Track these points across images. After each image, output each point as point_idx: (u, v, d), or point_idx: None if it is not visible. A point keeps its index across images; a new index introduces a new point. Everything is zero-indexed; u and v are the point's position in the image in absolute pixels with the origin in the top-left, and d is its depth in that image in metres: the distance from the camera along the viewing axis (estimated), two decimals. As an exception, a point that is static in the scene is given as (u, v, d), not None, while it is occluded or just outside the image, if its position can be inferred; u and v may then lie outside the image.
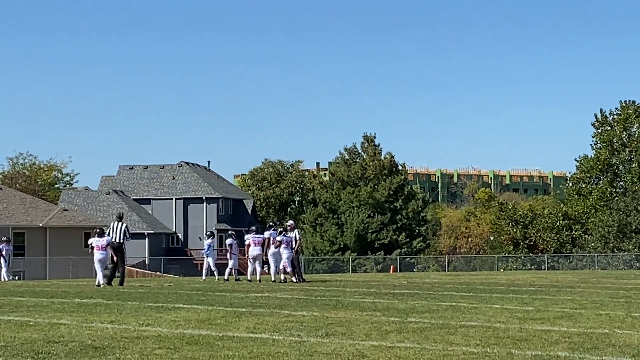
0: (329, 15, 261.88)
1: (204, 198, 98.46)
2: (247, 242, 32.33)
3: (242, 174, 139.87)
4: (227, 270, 33.86)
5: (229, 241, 34.81)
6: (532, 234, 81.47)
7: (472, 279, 35.17)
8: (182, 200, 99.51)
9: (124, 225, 29.12)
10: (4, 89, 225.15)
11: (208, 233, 37.10)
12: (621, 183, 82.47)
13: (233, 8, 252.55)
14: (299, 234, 32.77)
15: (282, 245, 31.05)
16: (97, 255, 28.56)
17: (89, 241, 29.67)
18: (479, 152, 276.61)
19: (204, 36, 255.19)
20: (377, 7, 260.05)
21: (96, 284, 28.60)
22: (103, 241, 28.62)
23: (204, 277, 35.04)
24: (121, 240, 28.87)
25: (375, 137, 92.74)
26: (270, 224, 32.88)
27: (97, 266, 28.55)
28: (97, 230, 29.96)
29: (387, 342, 12.49)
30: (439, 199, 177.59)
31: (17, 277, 39.09)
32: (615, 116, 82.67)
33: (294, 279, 30.93)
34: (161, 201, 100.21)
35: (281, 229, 32.30)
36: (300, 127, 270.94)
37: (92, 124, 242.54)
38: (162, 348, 11.80)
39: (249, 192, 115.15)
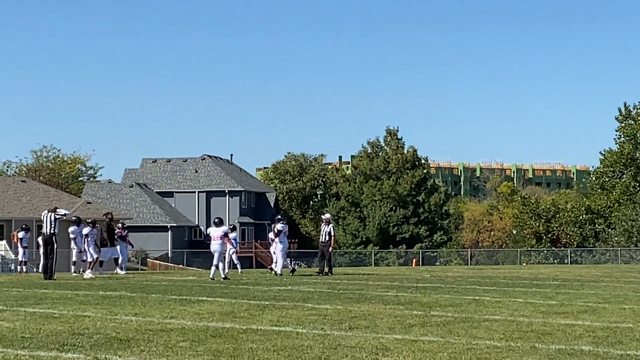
0: (353, 10, 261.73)
1: (226, 191, 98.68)
2: (271, 236, 32.28)
3: (264, 167, 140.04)
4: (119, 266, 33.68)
5: (120, 233, 34.08)
6: (554, 228, 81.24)
7: (495, 273, 35.09)
8: (204, 193, 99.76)
9: (52, 213, 29.04)
10: (28, 82, 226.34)
11: (231, 226, 37.06)
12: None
13: (255, 1, 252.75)
14: (333, 229, 32.77)
15: (281, 235, 30.97)
16: (213, 245, 28.35)
17: (208, 230, 29.23)
18: (501, 145, 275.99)
19: (227, 30, 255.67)
20: (399, 0, 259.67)
21: (210, 277, 28.14)
22: (219, 231, 28.31)
23: (226, 270, 35.04)
24: (51, 231, 28.84)
25: (398, 131, 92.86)
26: (279, 217, 32.52)
27: (215, 257, 28.22)
28: (216, 219, 29.54)
29: (411, 335, 12.50)
30: (462, 193, 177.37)
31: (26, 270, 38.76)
32: (639, 110, 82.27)
33: (276, 270, 31.07)
34: (184, 194, 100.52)
35: (279, 217, 32.21)
36: (323, 121, 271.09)
37: (116, 117, 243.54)
38: (186, 341, 11.85)
39: (272, 185, 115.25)
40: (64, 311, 15.89)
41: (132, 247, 37.12)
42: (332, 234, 32.25)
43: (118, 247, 33.55)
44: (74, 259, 33.17)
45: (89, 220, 32.38)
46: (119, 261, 33.66)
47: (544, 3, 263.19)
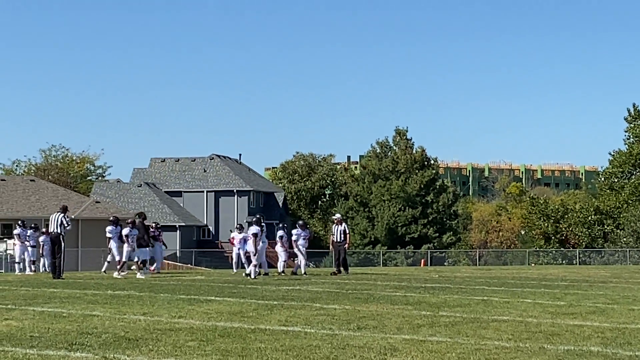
0: (361, 9, 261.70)
1: (235, 191, 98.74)
2: (293, 238, 32.13)
3: (273, 167, 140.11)
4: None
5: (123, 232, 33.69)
6: (563, 229, 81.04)
7: (504, 274, 35.06)
8: (213, 193, 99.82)
9: (61, 215, 29.16)
10: (37, 81, 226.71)
11: (238, 226, 37.08)
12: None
13: (263, 2, 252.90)
14: (347, 227, 32.77)
15: (258, 237, 30.50)
16: (246, 247, 28.73)
17: (232, 235, 29.66)
18: (510, 146, 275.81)
19: (235, 29, 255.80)
20: (409, 1, 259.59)
21: (244, 274, 28.33)
22: (240, 235, 28.67)
23: (234, 270, 35.09)
24: (58, 231, 28.97)
25: (407, 131, 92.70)
26: (257, 216, 31.99)
27: (252, 258, 28.47)
28: (254, 219, 29.63)
29: (419, 335, 12.50)
30: (470, 193, 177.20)
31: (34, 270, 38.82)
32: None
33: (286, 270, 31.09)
34: (192, 194, 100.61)
35: (254, 218, 31.81)
36: (331, 121, 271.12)
37: (125, 117, 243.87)
38: (194, 340, 11.87)
39: (280, 185, 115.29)
40: (72, 310, 15.93)
41: (166, 247, 37.08)
42: (347, 232, 32.38)
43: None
44: (109, 258, 32.98)
45: (129, 220, 31.96)
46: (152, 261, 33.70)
47: (551, 4, 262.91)
